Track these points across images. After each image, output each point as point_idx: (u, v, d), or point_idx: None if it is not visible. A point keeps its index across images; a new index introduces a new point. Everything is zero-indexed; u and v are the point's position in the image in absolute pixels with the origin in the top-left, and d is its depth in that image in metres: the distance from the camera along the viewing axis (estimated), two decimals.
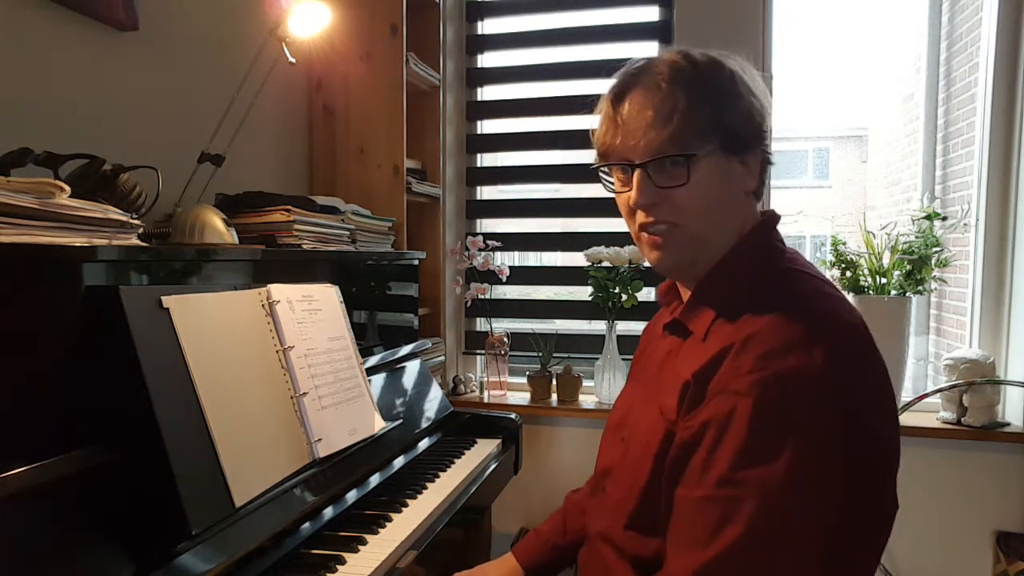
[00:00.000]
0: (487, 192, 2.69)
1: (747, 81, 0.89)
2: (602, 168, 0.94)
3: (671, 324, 0.96)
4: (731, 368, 0.79)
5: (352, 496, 1.27)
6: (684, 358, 0.89)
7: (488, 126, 2.65)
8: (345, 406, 1.32)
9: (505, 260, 2.55)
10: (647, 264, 2.29)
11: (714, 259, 0.91)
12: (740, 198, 0.91)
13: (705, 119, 0.85)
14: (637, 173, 0.87)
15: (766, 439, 0.75)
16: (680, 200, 0.87)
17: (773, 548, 0.74)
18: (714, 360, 0.82)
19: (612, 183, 0.94)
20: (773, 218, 0.95)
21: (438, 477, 1.48)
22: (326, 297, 1.39)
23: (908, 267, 2.12)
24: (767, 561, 0.74)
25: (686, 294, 0.97)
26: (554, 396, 2.41)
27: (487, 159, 2.67)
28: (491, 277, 2.46)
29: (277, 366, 1.20)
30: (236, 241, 1.38)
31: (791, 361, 0.76)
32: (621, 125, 0.88)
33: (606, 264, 2.27)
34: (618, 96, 0.89)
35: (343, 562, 1.07)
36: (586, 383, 2.41)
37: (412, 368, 1.84)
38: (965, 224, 2.14)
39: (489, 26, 2.59)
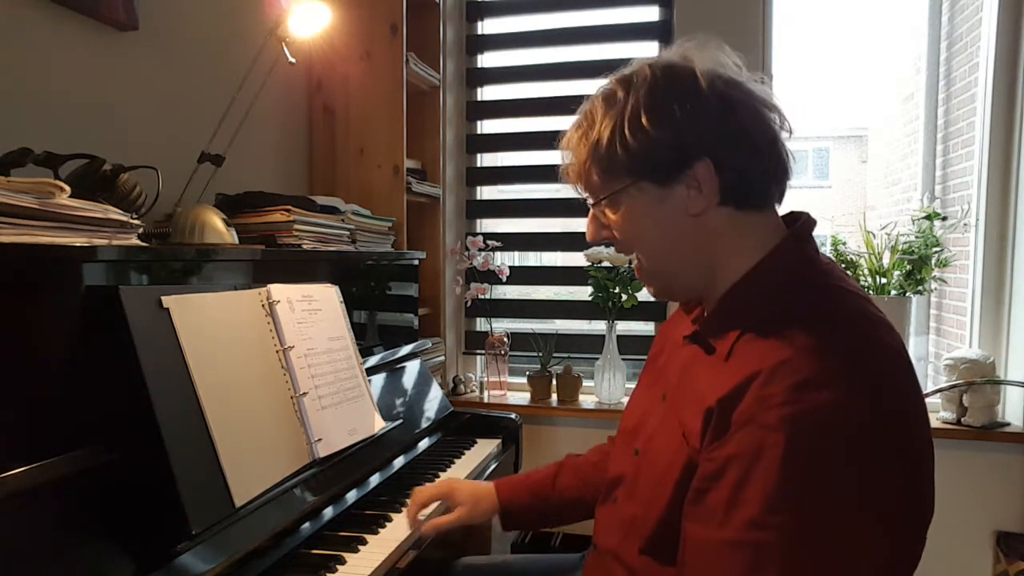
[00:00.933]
0: (487, 192, 2.69)
1: (662, 98, 0.81)
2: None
3: (691, 336, 0.90)
4: (759, 397, 0.72)
5: (352, 496, 1.27)
6: (707, 376, 0.82)
7: (488, 126, 2.65)
8: (345, 406, 1.32)
9: (505, 260, 2.55)
10: None
11: (699, 283, 0.87)
12: (686, 222, 0.83)
13: (607, 164, 0.84)
14: (590, 213, 0.91)
15: (801, 481, 0.69)
16: (621, 236, 0.89)
17: None
18: (740, 387, 0.75)
19: None
20: (806, 225, 0.87)
21: (438, 477, 1.48)
22: (326, 297, 1.40)
23: (908, 267, 2.12)
24: None
25: (707, 306, 0.92)
26: (554, 396, 2.41)
27: (487, 159, 2.68)
28: (491, 277, 2.46)
29: (277, 366, 1.20)
30: (236, 241, 1.38)
31: (827, 395, 0.69)
32: (566, 168, 0.92)
33: (606, 264, 2.27)
34: (566, 133, 0.92)
35: (343, 562, 1.07)
36: (586, 383, 2.41)
37: (412, 368, 1.84)
38: (965, 224, 2.14)
39: (489, 26, 2.59)
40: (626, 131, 0.81)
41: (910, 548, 0.74)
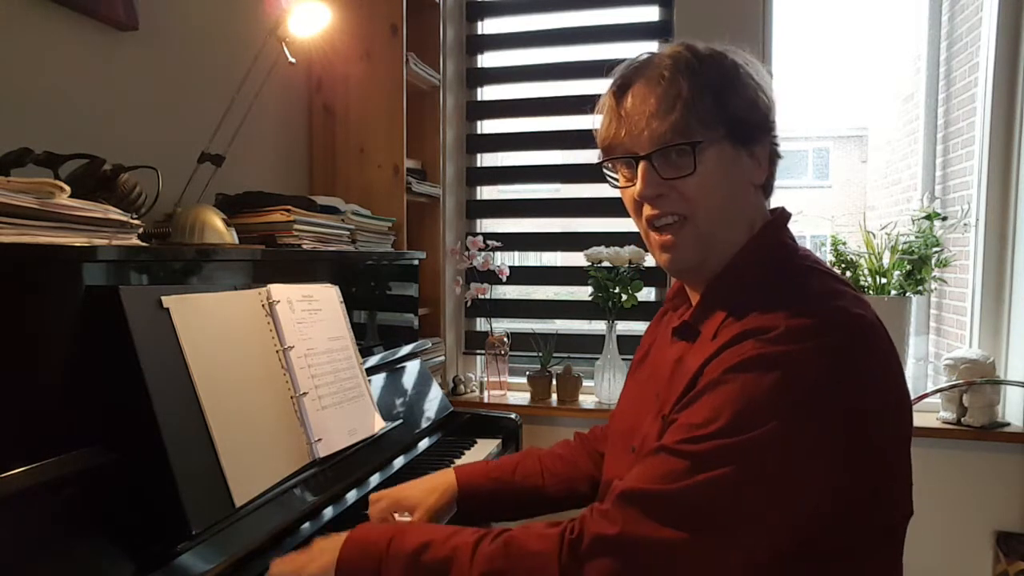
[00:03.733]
0: (487, 192, 2.69)
1: (751, 72, 0.88)
2: (606, 164, 0.92)
3: (680, 328, 0.93)
4: (730, 352, 0.78)
5: (352, 496, 1.27)
6: (693, 359, 0.86)
7: (488, 126, 2.65)
8: (345, 406, 1.32)
9: (505, 260, 2.55)
10: (647, 264, 2.29)
11: (724, 257, 0.89)
12: (749, 191, 0.89)
13: (709, 107, 0.83)
14: (642, 165, 0.86)
15: (746, 415, 0.73)
16: (687, 191, 0.85)
17: (709, 512, 0.73)
18: (717, 351, 0.80)
19: (617, 179, 0.93)
20: (784, 215, 0.93)
21: None
22: (326, 297, 1.39)
23: (908, 267, 2.12)
24: (697, 516, 0.73)
25: (695, 297, 0.95)
26: (554, 396, 2.41)
27: (487, 159, 2.67)
28: (491, 277, 2.46)
29: (277, 366, 1.20)
30: (236, 241, 1.38)
31: (785, 347, 0.74)
32: (624, 118, 0.87)
33: (606, 264, 2.27)
34: (621, 89, 0.89)
35: None
36: (586, 383, 2.40)
37: (412, 368, 1.84)
38: (965, 224, 2.14)
39: (489, 26, 2.59)
40: (735, 82, 0.86)
41: (865, 497, 0.76)
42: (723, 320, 0.85)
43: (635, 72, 0.88)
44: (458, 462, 1.59)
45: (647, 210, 0.88)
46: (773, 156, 0.91)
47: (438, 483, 1.14)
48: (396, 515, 1.14)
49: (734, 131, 0.85)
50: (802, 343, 0.74)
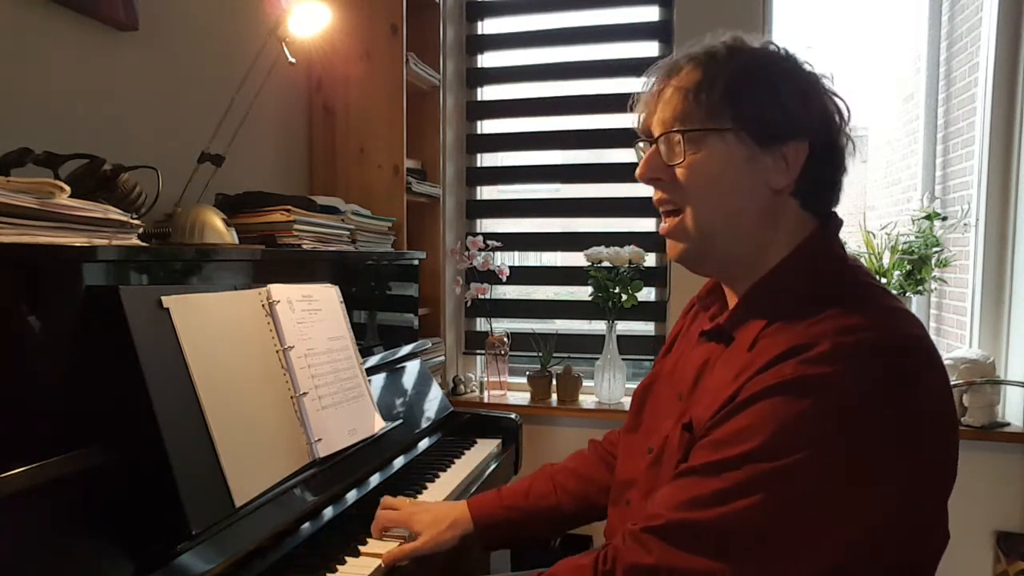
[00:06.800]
0: (487, 192, 2.69)
1: (792, 70, 0.84)
2: (637, 144, 0.93)
3: (712, 331, 0.89)
4: (774, 369, 0.74)
5: (352, 496, 1.27)
6: (726, 368, 0.82)
7: (488, 126, 2.65)
8: (345, 406, 1.32)
9: (505, 260, 2.55)
10: (647, 264, 2.30)
11: (733, 257, 0.86)
12: (762, 193, 0.83)
13: (717, 99, 0.81)
14: (652, 148, 0.86)
15: (780, 443, 0.70)
16: (681, 179, 0.84)
17: (746, 543, 0.71)
18: (758, 370, 0.75)
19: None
20: (835, 222, 0.89)
21: (438, 477, 1.48)
22: (326, 297, 1.39)
23: (908, 267, 2.12)
24: (735, 550, 0.72)
25: (732, 299, 0.91)
26: (554, 396, 2.41)
27: (487, 159, 2.68)
28: (491, 277, 2.46)
29: (277, 366, 1.20)
30: (236, 241, 1.38)
31: (836, 367, 0.70)
32: (647, 102, 0.89)
33: (606, 264, 2.27)
34: (653, 76, 0.90)
35: (343, 562, 1.07)
36: (586, 383, 2.41)
37: (412, 368, 1.84)
38: (965, 224, 2.14)
39: (489, 26, 2.59)
40: (756, 77, 0.82)
41: (904, 524, 0.74)
42: (762, 329, 0.80)
43: (669, 62, 0.89)
44: (458, 462, 1.59)
45: (653, 193, 0.89)
46: (819, 165, 0.85)
47: (451, 515, 1.12)
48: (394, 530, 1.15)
49: (747, 127, 0.81)
50: (846, 364, 0.71)
